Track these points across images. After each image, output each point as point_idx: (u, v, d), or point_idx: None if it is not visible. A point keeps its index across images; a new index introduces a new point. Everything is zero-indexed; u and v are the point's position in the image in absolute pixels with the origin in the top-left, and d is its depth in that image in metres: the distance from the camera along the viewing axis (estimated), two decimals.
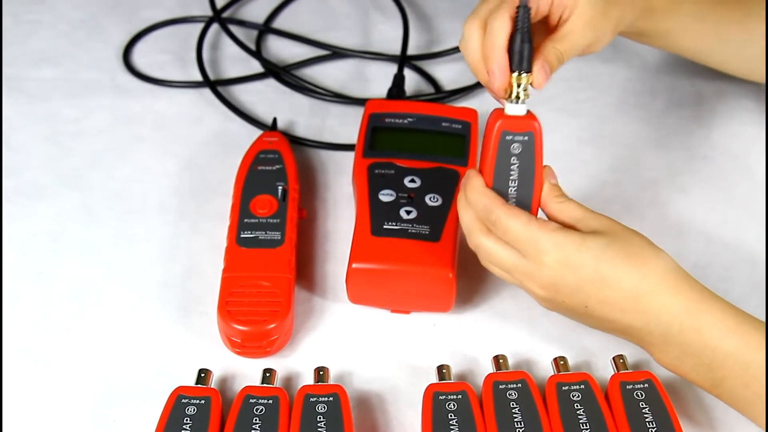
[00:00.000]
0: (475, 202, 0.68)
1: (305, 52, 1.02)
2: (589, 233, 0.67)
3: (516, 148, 0.68)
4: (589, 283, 0.66)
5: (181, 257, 0.81)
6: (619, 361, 0.71)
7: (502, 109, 0.68)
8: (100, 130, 0.93)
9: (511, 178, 0.69)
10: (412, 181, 0.79)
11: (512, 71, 0.67)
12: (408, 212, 0.77)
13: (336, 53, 1.02)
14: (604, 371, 0.72)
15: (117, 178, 0.88)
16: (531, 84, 0.67)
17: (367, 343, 0.75)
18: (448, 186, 0.78)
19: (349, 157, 0.85)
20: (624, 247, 0.66)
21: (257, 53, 1.01)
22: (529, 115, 0.68)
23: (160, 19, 1.05)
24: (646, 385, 0.68)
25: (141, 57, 1.02)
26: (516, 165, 0.69)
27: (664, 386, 0.68)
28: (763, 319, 0.66)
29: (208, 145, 0.92)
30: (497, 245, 0.68)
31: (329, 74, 1.00)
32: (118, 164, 0.90)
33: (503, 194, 0.69)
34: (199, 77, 0.98)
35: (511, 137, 0.68)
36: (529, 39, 0.66)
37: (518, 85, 0.67)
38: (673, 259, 0.67)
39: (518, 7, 0.66)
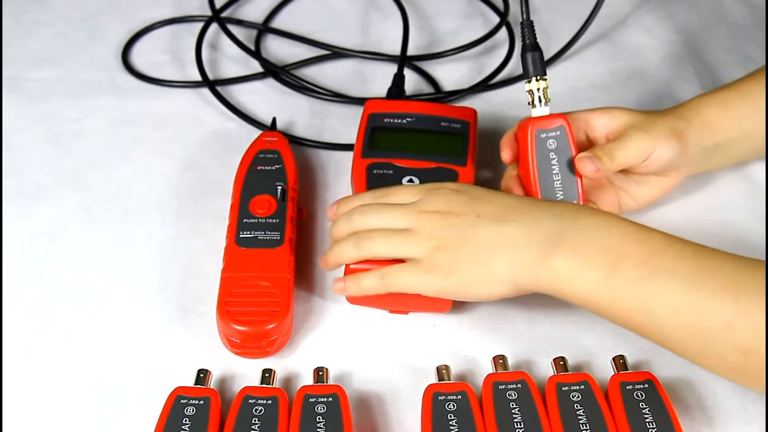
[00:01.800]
0: (362, 197, 0.75)
1: (304, 52, 1.02)
2: None
3: (552, 143, 0.77)
4: (481, 196, 0.71)
5: (180, 257, 0.81)
6: (619, 361, 0.71)
7: (529, 117, 0.77)
8: (99, 131, 0.93)
9: (553, 173, 0.76)
10: (411, 181, 0.79)
11: (528, 79, 0.76)
12: None
13: (335, 53, 1.02)
14: (604, 372, 0.72)
15: (116, 179, 0.88)
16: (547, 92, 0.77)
17: (367, 343, 0.75)
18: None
19: (349, 157, 0.84)
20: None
21: (256, 53, 1.01)
22: (555, 113, 0.77)
23: (158, 19, 1.06)
24: (646, 386, 0.68)
25: (140, 57, 1.02)
26: (555, 159, 0.76)
27: (664, 387, 0.68)
28: None
29: (208, 145, 0.92)
30: (389, 206, 0.73)
31: (329, 74, 1.00)
32: (118, 164, 0.90)
33: (551, 192, 0.76)
34: (198, 77, 0.98)
35: (545, 135, 0.76)
36: (537, 48, 0.76)
37: (537, 89, 0.76)
38: None
39: (521, 23, 0.76)
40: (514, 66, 1.01)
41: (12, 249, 0.81)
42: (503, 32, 1.05)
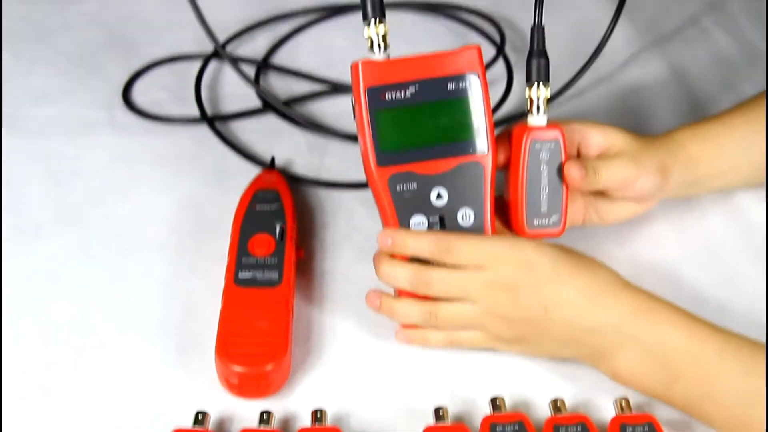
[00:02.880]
0: (420, 244, 0.73)
1: (303, 89, 1.02)
2: (542, 242, 0.73)
3: (544, 155, 0.75)
4: (548, 281, 0.70)
5: (179, 296, 0.81)
6: (622, 403, 0.71)
7: (525, 124, 0.75)
8: (98, 168, 0.93)
9: (542, 184, 0.76)
10: (439, 197, 0.75)
11: (530, 84, 0.75)
12: None
13: (336, 88, 1.02)
14: (603, 413, 0.72)
15: (115, 217, 0.88)
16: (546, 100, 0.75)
17: (365, 384, 0.75)
18: (477, 189, 0.76)
19: (348, 196, 0.85)
20: (574, 253, 0.73)
21: (256, 81, 1.01)
22: (552, 123, 0.76)
23: (159, 57, 1.06)
24: (647, 429, 0.68)
25: (140, 95, 1.02)
26: (546, 172, 0.76)
27: (664, 429, 0.68)
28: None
29: (207, 183, 0.92)
30: (451, 271, 0.72)
31: (327, 111, 1.01)
32: (117, 202, 0.90)
33: (536, 203, 0.76)
34: (197, 115, 0.99)
35: (539, 145, 0.75)
36: (544, 56, 0.74)
37: (537, 98, 0.75)
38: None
39: (532, 28, 0.74)
40: (516, 103, 1.01)
41: (10, 287, 0.81)
42: (500, 65, 1.05)
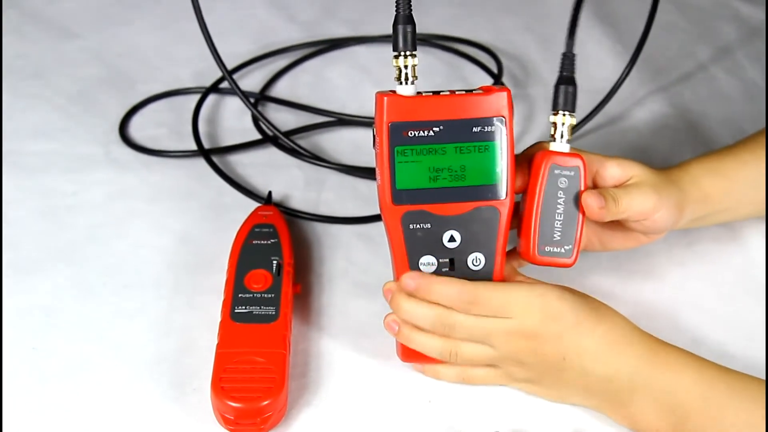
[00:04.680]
0: (446, 293, 0.72)
1: (299, 123, 1.03)
2: (563, 287, 0.72)
3: (563, 182, 0.74)
4: (570, 331, 0.70)
5: (175, 332, 0.80)
6: None
7: (547, 148, 0.74)
8: (95, 204, 0.93)
9: (557, 212, 0.74)
10: (452, 239, 0.74)
11: (556, 111, 0.74)
12: None
13: (340, 120, 1.02)
14: None
15: (112, 253, 0.88)
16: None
17: (363, 420, 0.74)
18: (490, 234, 0.74)
19: (345, 231, 0.85)
20: (591, 301, 0.72)
21: (254, 105, 1.00)
22: (574, 151, 0.74)
23: (155, 92, 1.06)
24: None
25: (137, 131, 1.02)
26: (562, 199, 0.74)
27: None
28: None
29: (204, 219, 0.92)
30: (476, 318, 0.71)
31: (324, 145, 1.01)
32: (114, 238, 0.90)
33: (549, 230, 0.74)
34: (194, 149, 0.99)
35: (559, 171, 0.74)
36: (573, 83, 0.73)
37: (562, 124, 0.73)
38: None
39: (563, 54, 0.73)
40: (516, 134, 1.00)
41: (6, 323, 0.81)
42: None
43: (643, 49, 0.96)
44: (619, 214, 0.75)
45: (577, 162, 0.74)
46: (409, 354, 0.76)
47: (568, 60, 0.74)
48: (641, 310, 0.79)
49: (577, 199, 0.74)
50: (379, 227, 0.78)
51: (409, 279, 0.73)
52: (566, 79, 0.74)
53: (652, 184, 0.77)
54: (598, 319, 0.71)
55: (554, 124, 0.74)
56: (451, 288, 0.72)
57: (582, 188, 0.74)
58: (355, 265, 0.87)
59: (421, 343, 0.74)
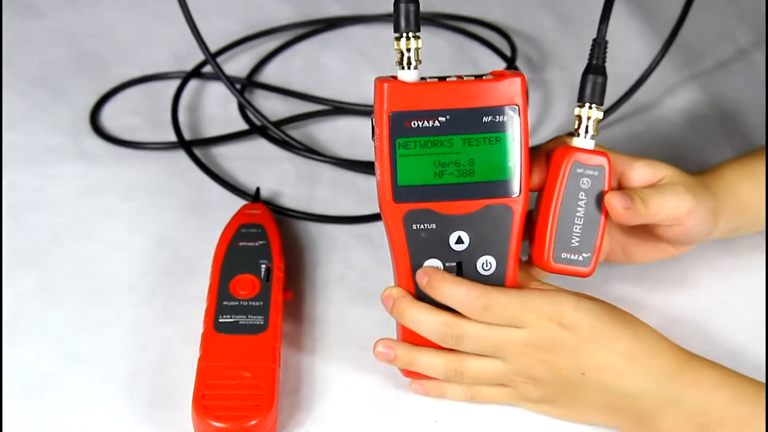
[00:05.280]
0: (456, 295, 0.70)
1: (290, 111, 1.01)
2: (581, 295, 0.70)
3: (585, 182, 0.72)
4: (587, 343, 0.68)
5: (151, 345, 0.78)
6: None
7: (568, 143, 0.72)
8: (62, 201, 0.91)
9: (577, 215, 0.72)
10: (459, 241, 0.72)
11: (582, 104, 0.71)
12: None
13: (336, 108, 1.01)
14: None
15: (82, 255, 0.86)
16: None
17: None
18: (502, 235, 0.72)
19: (341, 231, 0.83)
20: (613, 310, 0.70)
21: (241, 92, 0.99)
22: (599, 149, 0.72)
23: (130, 77, 1.04)
24: None
25: (109, 119, 1.00)
26: (584, 201, 0.72)
27: None
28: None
29: (184, 218, 0.90)
30: (487, 327, 0.70)
31: (317, 137, 0.99)
32: (83, 239, 0.87)
33: (567, 235, 0.72)
34: (173, 140, 0.97)
35: (582, 170, 0.71)
36: (602, 72, 0.71)
37: (588, 118, 0.71)
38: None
39: (593, 40, 0.71)
40: (531, 124, 0.98)
41: None
42: None
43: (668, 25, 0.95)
44: (649, 216, 0.73)
45: (602, 161, 0.71)
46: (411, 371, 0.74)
47: (599, 47, 0.72)
48: (670, 320, 0.77)
49: (599, 203, 0.72)
50: (378, 227, 0.77)
51: (423, 274, 0.71)
52: (596, 68, 0.72)
53: (687, 185, 0.75)
54: (618, 330, 0.69)
55: (579, 117, 0.72)
56: (463, 288, 0.70)
57: (606, 189, 0.72)
58: (353, 270, 0.85)
59: (423, 363, 0.72)
